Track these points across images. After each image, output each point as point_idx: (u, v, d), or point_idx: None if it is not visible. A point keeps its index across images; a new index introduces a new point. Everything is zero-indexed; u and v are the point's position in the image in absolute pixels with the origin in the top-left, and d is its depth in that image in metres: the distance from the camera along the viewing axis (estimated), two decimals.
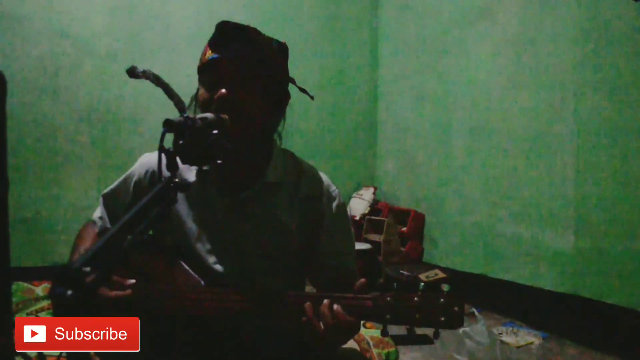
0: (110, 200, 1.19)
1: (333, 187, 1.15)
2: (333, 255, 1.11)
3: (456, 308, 0.87)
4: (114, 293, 0.95)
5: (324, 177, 1.16)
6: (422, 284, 0.91)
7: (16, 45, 2.96)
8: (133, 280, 0.96)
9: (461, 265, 3.21)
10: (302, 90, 1.13)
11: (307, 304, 0.91)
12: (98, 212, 1.20)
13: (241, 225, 1.08)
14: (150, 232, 0.68)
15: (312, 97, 1.14)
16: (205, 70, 1.03)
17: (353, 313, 0.89)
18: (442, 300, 0.87)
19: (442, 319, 0.87)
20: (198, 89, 1.06)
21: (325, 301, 0.90)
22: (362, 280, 0.91)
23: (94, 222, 1.20)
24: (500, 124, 2.94)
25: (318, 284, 1.14)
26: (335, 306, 0.89)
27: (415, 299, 0.88)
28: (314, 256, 1.12)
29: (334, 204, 1.13)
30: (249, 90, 1.00)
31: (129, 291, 0.96)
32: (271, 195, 1.09)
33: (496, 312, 2.89)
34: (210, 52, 1.01)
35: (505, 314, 2.86)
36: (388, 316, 0.89)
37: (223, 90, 0.98)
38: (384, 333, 0.90)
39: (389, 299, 0.89)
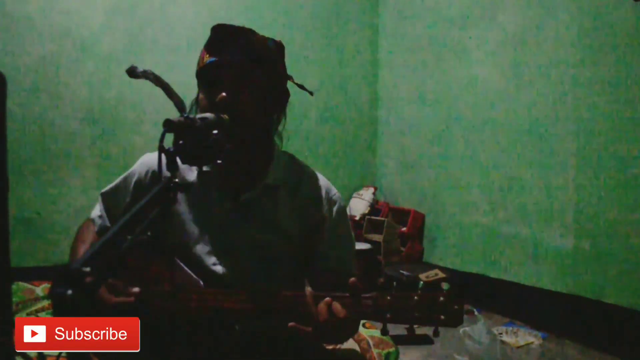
0: (110, 199, 1.19)
1: (334, 191, 1.15)
2: (334, 259, 1.11)
3: (456, 306, 0.87)
4: (116, 299, 0.95)
5: (324, 180, 1.16)
6: (422, 282, 0.92)
7: (16, 45, 2.96)
8: (137, 289, 0.96)
9: (461, 265, 3.21)
10: (301, 87, 1.13)
11: (309, 294, 0.90)
12: (97, 211, 1.20)
13: (241, 226, 1.08)
14: (149, 233, 0.67)
15: (311, 93, 1.14)
16: (203, 74, 1.04)
17: (353, 313, 0.90)
18: (441, 298, 0.88)
19: (442, 317, 0.87)
20: (198, 94, 1.06)
21: (326, 299, 0.90)
22: (352, 279, 0.92)
23: (92, 221, 1.20)
24: (500, 124, 2.94)
25: (318, 287, 1.14)
26: (334, 303, 0.89)
27: (415, 297, 0.88)
28: (314, 259, 1.12)
29: (335, 208, 1.13)
30: (249, 92, 1.00)
31: (131, 298, 0.95)
32: (271, 197, 1.10)
33: (496, 312, 2.89)
34: (207, 55, 1.02)
35: (505, 314, 2.86)
36: (388, 315, 0.89)
37: (223, 94, 0.98)
38: (384, 332, 0.90)
39: (388, 297, 0.89)
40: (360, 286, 0.92)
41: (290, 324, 0.89)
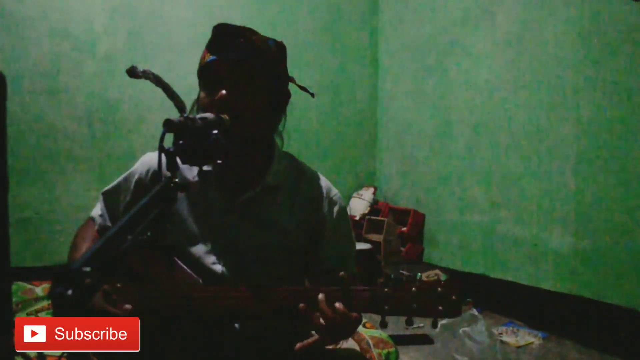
0: (111, 198, 1.19)
1: (334, 191, 1.16)
2: (334, 259, 1.12)
3: (454, 297, 0.87)
4: (110, 309, 0.94)
5: (324, 180, 1.16)
6: (420, 274, 0.92)
7: (16, 45, 2.96)
8: (129, 306, 0.95)
9: (461, 265, 3.21)
10: (302, 88, 1.13)
11: (302, 305, 0.91)
12: (98, 210, 1.20)
13: (241, 226, 1.08)
14: (149, 233, 0.67)
15: (312, 95, 1.14)
16: (204, 73, 1.04)
17: (351, 305, 0.90)
18: (439, 289, 0.88)
19: (440, 308, 0.87)
20: (199, 93, 1.06)
21: (323, 297, 0.90)
22: (341, 273, 0.92)
23: (93, 220, 1.20)
24: (500, 124, 2.94)
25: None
26: (337, 304, 0.89)
27: (413, 289, 0.88)
28: (314, 259, 1.12)
29: (335, 208, 1.13)
30: (249, 91, 1.01)
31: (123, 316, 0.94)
32: (271, 197, 1.10)
33: (496, 312, 2.89)
34: (208, 55, 1.02)
35: (505, 314, 2.86)
36: (386, 307, 0.89)
37: (223, 92, 0.98)
38: (383, 324, 0.91)
39: (386, 289, 0.89)
40: (350, 280, 0.92)
41: (297, 346, 0.90)
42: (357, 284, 0.95)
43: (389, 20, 4.01)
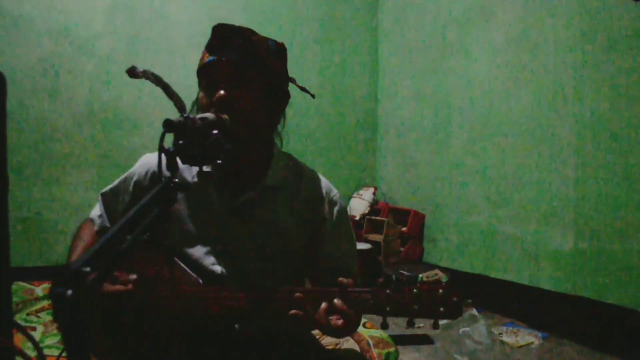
0: (110, 199, 1.19)
1: (334, 191, 1.16)
2: (335, 259, 1.12)
3: (455, 298, 0.87)
4: (116, 287, 0.95)
5: (324, 180, 1.16)
6: (420, 275, 0.93)
7: (16, 45, 2.96)
8: (134, 276, 0.96)
9: (461, 265, 3.21)
10: (302, 89, 1.13)
11: (298, 295, 0.91)
12: (97, 211, 1.20)
13: (240, 227, 1.08)
14: (148, 233, 0.67)
15: (312, 96, 1.14)
16: (203, 73, 1.04)
17: (353, 307, 0.90)
18: (440, 291, 0.88)
19: (441, 309, 0.87)
20: (199, 93, 1.06)
21: (324, 304, 0.90)
22: (340, 278, 0.92)
23: (92, 221, 1.20)
24: (500, 124, 2.94)
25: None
26: (335, 301, 0.89)
27: (414, 290, 0.89)
28: (314, 259, 1.12)
29: (335, 209, 1.13)
30: (247, 91, 1.01)
31: (130, 286, 0.96)
32: (271, 198, 1.10)
33: (496, 312, 2.89)
34: (207, 55, 1.02)
35: (505, 314, 2.86)
36: (387, 308, 0.89)
37: (222, 92, 0.98)
38: (384, 325, 0.91)
39: (388, 291, 0.90)
40: (349, 284, 0.92)
41: (291, 312, 0.89)
42: (358, 284, 0.95)
43: (388, 20, 4.01)
